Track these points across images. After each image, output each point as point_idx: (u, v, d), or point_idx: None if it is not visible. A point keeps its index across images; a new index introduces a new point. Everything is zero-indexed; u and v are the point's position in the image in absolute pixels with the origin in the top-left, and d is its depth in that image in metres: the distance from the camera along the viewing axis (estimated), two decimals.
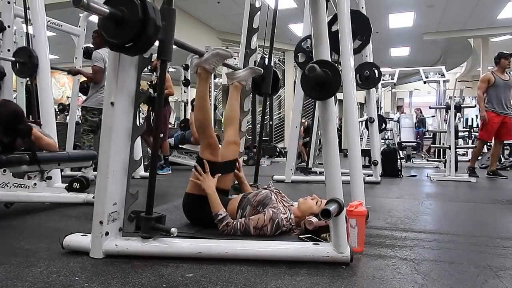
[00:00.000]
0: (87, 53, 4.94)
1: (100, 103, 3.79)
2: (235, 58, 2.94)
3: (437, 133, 7.78)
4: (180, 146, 6.15)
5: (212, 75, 2.16)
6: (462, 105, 5.46)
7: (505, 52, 5.17)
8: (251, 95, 2.95)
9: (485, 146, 5.85)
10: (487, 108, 5.08)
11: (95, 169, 3.62)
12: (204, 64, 2.00)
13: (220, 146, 2.13)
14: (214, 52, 1.98)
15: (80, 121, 4.57)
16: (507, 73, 5.16)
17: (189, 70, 8.19)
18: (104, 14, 1.30)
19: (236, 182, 2.49)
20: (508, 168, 6.16)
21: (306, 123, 7.17)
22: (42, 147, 2.74)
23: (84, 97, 6.38)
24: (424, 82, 8.74)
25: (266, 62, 2.54)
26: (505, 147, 7.06)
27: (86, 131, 4.05)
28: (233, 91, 2.38)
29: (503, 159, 6.83)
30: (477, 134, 5.97)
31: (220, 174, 2.04)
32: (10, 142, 2.53)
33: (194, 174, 1.99)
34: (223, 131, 2.35)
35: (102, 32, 1.41)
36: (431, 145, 7.38)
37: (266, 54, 2.75)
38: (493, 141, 5.34)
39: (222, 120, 9.75)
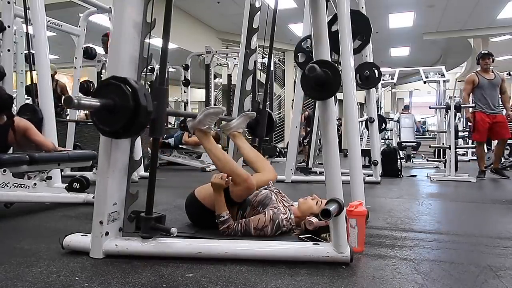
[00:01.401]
0: (87, 53, 4.94)
1: None
2: (235, 58, 2.92)
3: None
4: (180, 146, 6.14)
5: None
6: (462, 105, 5.44)
7: (484, 51, 5.14)
8: (251, 95, 2.95)
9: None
10: (476, 109, 5.07)
11: (90, 169, 3.62)
12: (199, 125, 1.99)
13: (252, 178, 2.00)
14: (206, 112, 1.97)
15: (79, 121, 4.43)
16: (492, 72, 5.10)
17: (189, 70, 8.20)
18: (96, 107, 1.32)
19: None
20: (508, 168, 6.16)
21: (307, 112, 7.12)
22: (37, 142, 2.81)
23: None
24: (424, 82, 8.75)
25: (261, 106, 2.52)
26: (505, 147, 7.04)
27: None
28: (235, 139, 2.34)
29: (503, 159, 6.82)
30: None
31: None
32: None
33: (216, 180, 1.88)
34: (255, 170, 2.28)
35: (93, 118, 1.42)
36: (431, 145, 7.36)
37: (266, 54, 2.75)
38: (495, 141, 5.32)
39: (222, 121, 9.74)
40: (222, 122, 2.42)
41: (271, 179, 2.19)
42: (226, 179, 1.86)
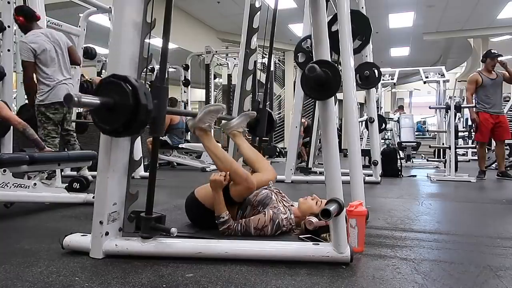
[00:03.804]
0: (87, 53, 4.94)
1: (61, 97, 3.26)
2: (235, 58, 2.92)
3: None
4: (179, 146, 6.14)
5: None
6: (462, 105, 5.43)
7: (493, 52, 5.08)
8: (251, 95, 2.95)
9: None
10: (479, 109, 5.04)
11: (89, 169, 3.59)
12: (200, 124, 1.97)
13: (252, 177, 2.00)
14: (206, 110, 1.96)
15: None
16: (494, 71, 5.07)
17: (189, 70, 8.20)
18: (96, 105, 1.31)
19: None
20: (508, 168, 6.16)
21: (306, 123, 7.14)
22: (3, 118, 2.90)
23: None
24: (424, 82, 8.75)
25: (261, 106, 2.51)
26: (505, 147, 7.03)
27: (52, 132, 3.34)
28: (235, 138, 2.34)
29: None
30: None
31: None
32: None
33: (215, 178, 1.89)
34: (254, 169, 2.26)
35: (93, 117, 1.41)
36: (431, 145, 7.36)
37: (266, 54, 2.75)
38: (494, 142, 5.29)
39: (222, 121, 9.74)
40: (222, 121, 2.42)
41: (271, 179, 2.18)
42: (225, 177, 1.86)
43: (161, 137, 5.94)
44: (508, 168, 6.02)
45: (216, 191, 1.88)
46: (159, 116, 1.52)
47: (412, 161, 7.58)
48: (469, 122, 11.15)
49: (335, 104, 1.65)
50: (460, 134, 8.30)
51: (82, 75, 5.17)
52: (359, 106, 10.71)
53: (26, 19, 3.28)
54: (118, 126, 1.37)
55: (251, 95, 2.94)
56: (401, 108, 11.70)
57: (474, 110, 5.10)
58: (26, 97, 3.53)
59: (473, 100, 5.18)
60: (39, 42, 3.18)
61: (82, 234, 1.71)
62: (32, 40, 3.17)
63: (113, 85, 1.35)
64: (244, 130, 2.42)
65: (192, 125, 2.00)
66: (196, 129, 2.00)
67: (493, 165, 6.39)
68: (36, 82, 3.30)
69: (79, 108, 5.45)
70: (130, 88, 1.34)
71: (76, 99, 1.20)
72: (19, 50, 3.31)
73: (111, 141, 1.61)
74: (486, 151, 5.62)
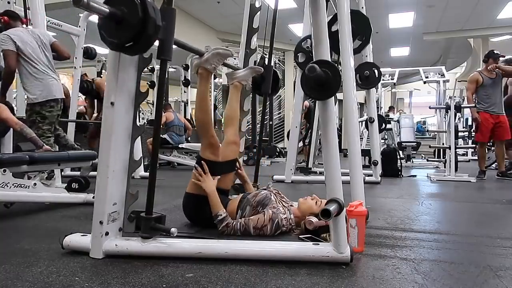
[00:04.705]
0: (87, 53, 4.94)
1: (55, 93, 3.27)
2: (235, 58, 2.93)
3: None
4: (180, 146, 6.14)
5: (212, 75, 2.15)
6: (462, 105, 5.43)
7: (496, 52, 5.07)
8: (251, 95, 2.95)
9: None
10: (479, 109, 5.03)
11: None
12: (205, 64, 1.98)
13: (220, 145, 2.14)
14: (215, 51, 1.97)
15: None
16: (494, 71, 5.03)
17: (189, 70, 8.20)
18: (104, 13, 1.29)
19: (236, 182, 2.49)
20: (509, 168, 6.15)
21: (308, 106, 6.76)
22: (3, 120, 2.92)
23: (84, 97, 6.31)
24: (424, 82, 8.74)
25: (266, 62, 2.53)
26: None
27: (47, 132, 3.28)
28: (233, 91, 2.37)
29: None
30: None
31: (219, 177, 2.05)
32: None
33: (194, 174, 1.99)
34: (223, 131, 2.35)
35: (101, 31, 1.40)
36: (431, 145, 7.36)
37: (266, 54, 2.75)
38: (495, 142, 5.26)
39: (222, 120, 9.77)
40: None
41: (233, 146, 2.25)
42: (201, 167, 1.95)
43: (161, 135, 6.00)
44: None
45: (210, 189, 1.92)
46: (167, 38, 1.50)
47: (412, 161, 7.58)
48: (469, 122, 11.18)
49: (335, 104, 1.65)
50: (460, 134, 8.30)
51: (85, 74, 5.16)
52: (359, 106, 10.71)
53: (10, 18, 3.26)
54: (126, 40, 1.35)
55: (251, 95, 2.94)
56: (391, 109, 11.72)
57: (475, 110, 5.08)
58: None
59: (474, 100, 5.17)
60: (20, 35, 3.13)
61: (82, 234, 1.71)
62: (12, 32, 3.12)
63: None
64: (248, 83, 2.45)
65: (197, 64, 2.00)
66: (200, 68, 2.00)
67: (493, 165, 6.39)
68: (25, 79, 3.19)
69: (78, 108, 5.44)
70: (140, 1, 1.32)
71: (85, 0, 1.17)
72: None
73: (111, 141, 1.61)
74: (486, 151, 5.61)
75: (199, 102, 2.04)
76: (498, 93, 5.03)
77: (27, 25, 3.43)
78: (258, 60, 2.80)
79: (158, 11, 1.38)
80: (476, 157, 6.51)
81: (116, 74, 1.61)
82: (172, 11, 1.53)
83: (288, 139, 5.32)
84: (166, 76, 4.78)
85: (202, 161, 2.00)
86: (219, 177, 2.06)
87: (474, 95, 5.14)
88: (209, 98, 2.11)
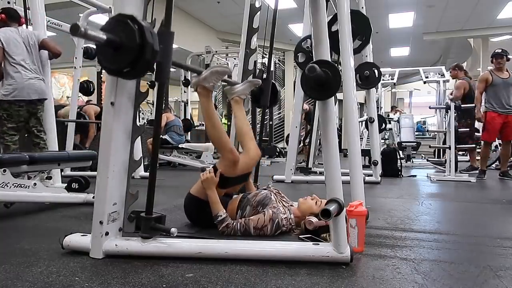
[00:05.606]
0: (87, 53, 4.94)
1: (30, 94, 3.24)
2: (235, 58, 2.91)
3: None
4: (180, 146, 6.14)
5: (212, 92, 2.14)
6: (462, 106, 5.42)
7: (497, 51, 5.03)
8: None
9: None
10: (488, 108, 5.00)
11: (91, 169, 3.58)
12: (203, 82, 1.97)
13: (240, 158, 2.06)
14: (213, 70, 1.96)
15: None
16: (507, 71, 5.01)
17: (189, 71, 8.19)
18: (101, 41, 1.29)
19: None
20: (508, 168, 6.15)
21: (307, 107, 6.78)
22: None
23: (85, 97, 6.33)
24: (424, 82, 8.75)
25: (265, 75, 2.52)
26: None
27: (10, 130, 3.25)
28: (236, 106, 2.34)
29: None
30: (478, 135, 5.83)
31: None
32: None
33: (206, 176, 1.94)
34: (240, 144, 2.30)
35: (99, 57, 1.39)
36: (431, 145, 7.35)
37: (266, 54, 2.75)
38: (498, 142, 5.22)
39: (222, 120, 9.76)
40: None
41: (255, 159, 2.22)
42: (215, 173, 1.90)
43: (161, 136, 6.00)
44: (508, 168, 6.02)
45: (210, 189, 1.91)
46: (164, 61, 1.49)
47: (412, 161, 7.58)
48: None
49: (335, 104, 1.65)
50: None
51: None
52: (359, 106, 10.71)
53: (8, 17, 3.28)
54: (124, 66, 1.34)
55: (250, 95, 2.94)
56: (394, 108, 11.74)
57: (482, 110, 5.02)
58: None
59: (482, 99, 5.11)
60: (5, 32, 3.17)
61: (82, 234, 1.71)
62: (1, 30, 3.18)
63: (119, 24, 1.32)
64: (247, 97, 2.43)
65: (196, 82, 1.99)
66: (199, 87, 2.00)
67: (493, 165, 6.39)
68: (5, 74, 3.19)
69: (79, 108, 5.44)
70: (137, 27, 1.31)
71: (82, 29, 1.17)
72: None
73: (111, 141, 1.61)
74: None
75: (207, 120, 2.01)
76: (509, 93, 4.95)
77: (27, 26, 3.43)
78: (257, 73, 2.78)
79: (156, 36, 1.37)
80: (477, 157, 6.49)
81: None
82: (170, 34, 1.53)
83: (287, 144, 5.31)
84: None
85: (218, 172, 1.95)
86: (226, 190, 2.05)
87: (482, 94, 5.05)
88: (216, 113, 2.10)
